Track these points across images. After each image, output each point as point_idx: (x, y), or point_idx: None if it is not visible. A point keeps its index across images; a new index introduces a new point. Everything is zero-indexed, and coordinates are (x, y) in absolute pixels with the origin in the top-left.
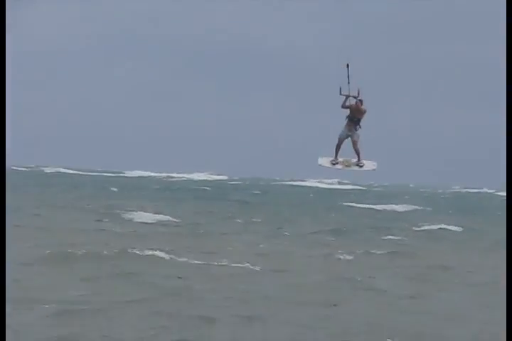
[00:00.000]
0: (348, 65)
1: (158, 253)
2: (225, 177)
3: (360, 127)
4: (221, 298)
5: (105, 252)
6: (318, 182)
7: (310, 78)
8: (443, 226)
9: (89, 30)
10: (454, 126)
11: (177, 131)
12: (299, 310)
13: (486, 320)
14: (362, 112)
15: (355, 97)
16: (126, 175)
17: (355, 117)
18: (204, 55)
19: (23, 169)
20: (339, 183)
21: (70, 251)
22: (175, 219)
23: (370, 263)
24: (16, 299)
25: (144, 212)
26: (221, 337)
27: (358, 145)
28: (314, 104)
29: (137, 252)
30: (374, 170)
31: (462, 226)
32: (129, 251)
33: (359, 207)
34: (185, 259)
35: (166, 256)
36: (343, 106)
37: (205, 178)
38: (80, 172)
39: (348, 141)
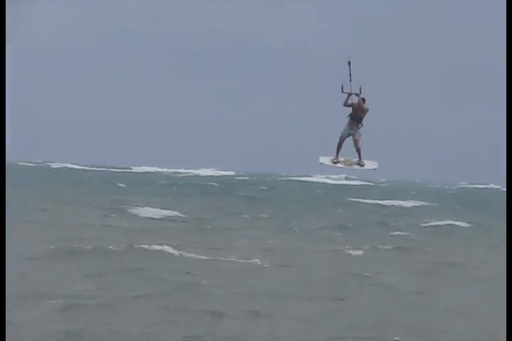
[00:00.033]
0: (349, 62)
1: (165, 248)
2: (232, 173)
3: (362, 125)
4: (228, 293)
5: (112, 247)
6: (325, 177)
7: (313, 75)
8: (450, 221)
9: (89, 30)
10: (460, 122)
11: (184, 127)
12: (306, 305)
13: (491, 316)
14: (364, 111)
15: (357, 95)
16: (133, 170)
17: (357, 115)
18: (208, 53)
19: (31, 165)
20: (346, 179)
21: (76, 246)
22: (182, 215)
23: (377, 259)
24: (23, 294)
25: (151, 207)
26: (228, 332)
27: (360, 144)
28: (319, 102)
29: (144, 247)
30: (375, 169)
31: (469, 222)
32: (136, 246)
33: (366, 203)
34: (192, 255)
35: (173, 252)
36: (346, 105)
37: (212, 174)
38: (87, 168)
39: (349, 140)
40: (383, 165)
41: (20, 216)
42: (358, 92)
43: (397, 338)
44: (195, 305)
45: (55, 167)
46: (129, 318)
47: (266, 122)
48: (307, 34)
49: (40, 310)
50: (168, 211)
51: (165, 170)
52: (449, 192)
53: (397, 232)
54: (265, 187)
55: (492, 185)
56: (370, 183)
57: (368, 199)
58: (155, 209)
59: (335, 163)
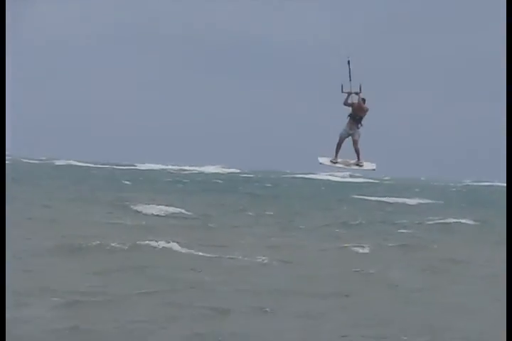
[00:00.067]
0: (348, 62)
1: (170, 245)
2: (236, 170)
3: (361, 125)
4: (233, 290)
5: (116, 244)
6: (330, 175)
7: (315, 73)
8: (455, 219)
9: (90, 28)
10: (464, 119)
11: (188, 125)
12: (311, 302)
13: (497, 313)
14: (364, 110)
15: (357, 94)
16: (137, 167)
17: (357, 115)
18: (210, 51)
19: (35, 162)
20: (351, 176)
21: (81, 243)
22: (187, 212)
23: (382, 256)
24: (28, 290)
25: (156, 204)
26: (234, 329)
27: (359, 145)
28: (323, 100)
29: (149, 244)
30: (374, 169)
31: (474, 220)
32: (141, 243)
33: (371, 200)
34: (197, 252)
35: (178, 249)
36: (346, 104)
37: (216, 171)
38: (91, 165)
39: (349, 140)
40: (387, 162)
41: (24, 213)
42: (358, 91)
43: (405, 338)
44: (200, 302)
45: (59, 164)
46: (134, 315)
47: (270, 120)
48: (308, 33)
49: (44, 307)
50: (172, 208)
51: (170, 167)
52: (454, 189)
53: (402, 230)
54: (270, 185)
55: (497, 183)
56: (374, 181)
57: (372, 196)
58: (159, 207)
59: (334, 163)
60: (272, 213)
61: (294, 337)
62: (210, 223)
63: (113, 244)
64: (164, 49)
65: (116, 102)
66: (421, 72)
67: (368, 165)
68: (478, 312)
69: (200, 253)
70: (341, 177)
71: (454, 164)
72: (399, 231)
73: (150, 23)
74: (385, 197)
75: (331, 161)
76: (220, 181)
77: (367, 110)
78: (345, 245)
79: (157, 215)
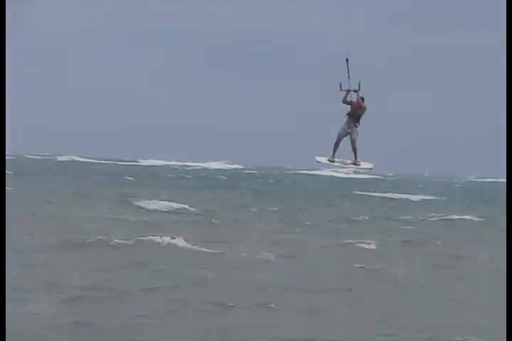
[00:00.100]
0: (347, 60)
1: (173, 241)
2: (240, 166)
3: (359, 124)
4: (237, 285)
5: (119, 240)
6: (333, 171)
7: (325, 68)
8: (459, 215)
9: (92, 26)
10: (469, 115)
11: (192, 120)
12: (314, 297)
13: (500, 309)
14: (363, 109)
15: (355, 91)
16: (140, 163)
17: (356, 114)
18: (217, 45)
19: (38, 157)
20: (354, 172)
21: (83, 238)
22: (190, 208)
23: (385, 252)
24: (30, 286)
25: (159, 200)
26: (237, 324)
27: (357, 144)
28: (328, 96)
29: (152, 240)
30: (371, 168)
31: (478, 216)
32: (144, 239)
33: (374, 196)
34: (200, 248)
35: (181, 244)
36: (344, 101)
37: (220, 167)
38: (94, 161)
39: (346, 140)
40: (391, 159)
41: (27, 209)
42: (357, 89)
43: (408, 333)
44: (203, 298)
45: (62, 160)
46: (137, 310)
47: (274, 116)
48: (308, 30)
49: (47, 302)
50: (175, 204)
51: (173, 163)
52: (457, 185)
53: (406, 226)
54: (273, 181)
55: (501, 179)
56: (378, 177)
57: (376, 192)
58: (162, 202)
59: (331, 161)
60: (275, 209)
61: (297, 332)
62: (214, 219)
63: (116, 240)
64: (166, 47)
65: (119, 99)
66: (423, 70)
67: (365, 165)
68: (482, 308)
69: (204, 249)
70: (345, 173)
71: (458, 160)
72: (402, 227)
73: (150, 22)
74: (388, 193)
75: (329, 160)
76: (223, 177)
77: (365, 108)
78: (349, 241)
79: (160, 211)
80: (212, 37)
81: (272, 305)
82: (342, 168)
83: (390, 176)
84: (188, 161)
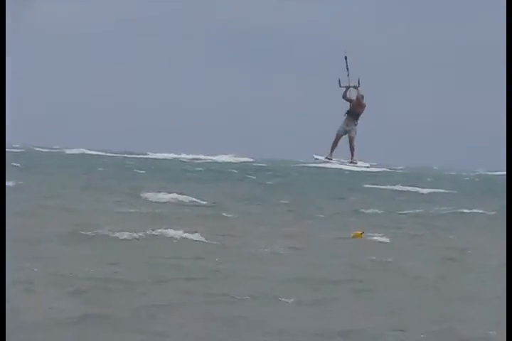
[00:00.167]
0: (346, 58)
1: (183, 234)
2: (250, 160)
3: (357, 122)
4: (246, 278)
5: (129, 232)
6: (342, 164)
7: (331, 62)
8: (469, 209)
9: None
10: (478, 108)
11: (202, 113)
12: (325, 289)
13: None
14: (363, 107)
15: (355, 87)
16: (149, 156)
17: (355, 112)
18: (224, 39)
19: (46, 150)
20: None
21: (93, 231)
22: (200, 201)
23: (396, 245)
24: (38, 279)
25: (168, 192)
26: (246, 314)
27: (355, 142)
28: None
29: (162, 232)
30: (368, 167)
31: (489, 209)
32: (153, 231)
33: (384, 189)
34: (210, 240)
35: (192, 237)
36: (344, 97)
37: (230, 160)
38: (103, 154)
39: (345, 139)
40: (400, 152)
41: (37, 201)
42: (357, 85)
43: (422, 335)
44: (213, 290)
45: (71, 153)
46: (146, 301)
47: (284, 110)
48: (311, 26)
49: (55, 294)
50: (185, 196)
51: (182, 156)
52: (467, 178)
53: (416, 219)
54: (283, 174)
55: None
56: (387, 170)
57: (385, 185)
58: (172, 195)
59: (329, 159)
60: (285, 202)
61: (307, 324)
62: (224, 212)
63: (125, 232)
64: (168, 43)
65: (128, 93)
66: (429, 62)
67: (361, 164)
68: (493, 301)
69: (215, 242)
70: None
71: (467, 153)
72: (413, 220)
73: (150, 19)
74: (397, 185)
75: (326, 158)
76: (233, 170)
77: (365, 106)
78: (357, 233)
79: (170, 203)
80: (212, 31)
81: (283, 298)
82: (338, 164)
83: (399, 169)
84: (197, 154)
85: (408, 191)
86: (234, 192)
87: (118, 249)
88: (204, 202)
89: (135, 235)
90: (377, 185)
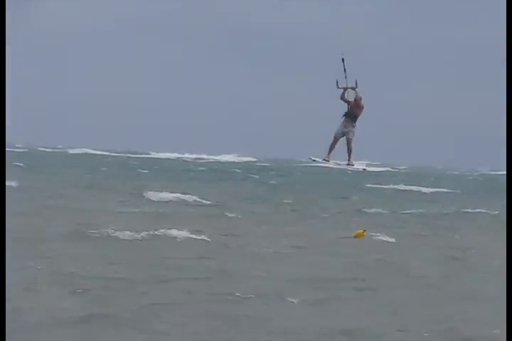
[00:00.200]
0: (343, 59)
1: (186, 233)
2: (253, 159)
3: (355, 124)
4: (251, 277)
5: (132, 232)
6: (339, 166)
7: (331, 62)
8: (472, 208)
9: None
10: (480, 107)
11: (205, 112)
12: (328, 289)
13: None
14: (361, 108)
15: (353, 89)
16: (152, 156)
17: (353, 114)
18: (225, 39)
19: (50, 150)
20: (367, 165)
21: (96, 230)
22: (203, 200)
23: (397, 244)
24: (41, 278)
25: (172, 192)
26: (250, 313)
27: (352, 144)
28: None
29: (165, 232)
30: (364, 169)
31: (492, 209)
32: (156, 231)
33: (386, 189)
34: (214, 240)
35: (195, 237)
36: (342, 99)
37: (233, 160)
38: (106, 153)
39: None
40: (403, 151)
41: (39, 200)
42: (354, 86)
43: (425, 334)
44: (216, 289)
45: (74, 152)
46: (149, 301)
47: (287, 109)
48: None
49: (58, 294)
50: (188, 196)
51: (185, 156)
52: (470, 178)
53: (418, 218)
54: (285, 173)
55: None
56: (390, 169)
57: (388, 184)
58: (176, 195)
59: (326, 161)
60: (288, 201)
61: (311, 323)
62: (227, 211)
63: (128, 232)
64: (170, 41)
65: (131, 93)
66: (429, 62)
67: (358, 165)
68: (496, 300)
69: (218, 241)
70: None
71: (470, 152)
72: (415, 219)
73: (150, 19)
74: (400, 185)
75: (324, 159)
76: (237, 170)
77: (363, 108)
78: (359, 232)
79: (173, 203)
80: (213, 32)
81: (286, 297)
82: (336, 166)
83: (403, 169)
84: (200, 154)
85: (411, 190)
86: (237, 191)
87: (121, 248)
88: (207, 202)
89: (138, 235)
90: (380, 184)
